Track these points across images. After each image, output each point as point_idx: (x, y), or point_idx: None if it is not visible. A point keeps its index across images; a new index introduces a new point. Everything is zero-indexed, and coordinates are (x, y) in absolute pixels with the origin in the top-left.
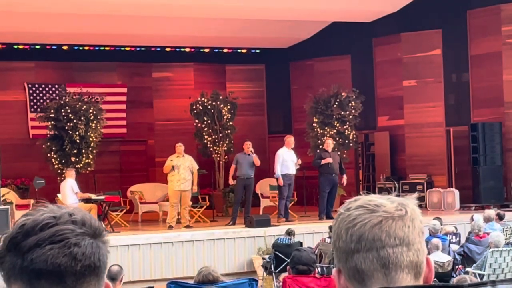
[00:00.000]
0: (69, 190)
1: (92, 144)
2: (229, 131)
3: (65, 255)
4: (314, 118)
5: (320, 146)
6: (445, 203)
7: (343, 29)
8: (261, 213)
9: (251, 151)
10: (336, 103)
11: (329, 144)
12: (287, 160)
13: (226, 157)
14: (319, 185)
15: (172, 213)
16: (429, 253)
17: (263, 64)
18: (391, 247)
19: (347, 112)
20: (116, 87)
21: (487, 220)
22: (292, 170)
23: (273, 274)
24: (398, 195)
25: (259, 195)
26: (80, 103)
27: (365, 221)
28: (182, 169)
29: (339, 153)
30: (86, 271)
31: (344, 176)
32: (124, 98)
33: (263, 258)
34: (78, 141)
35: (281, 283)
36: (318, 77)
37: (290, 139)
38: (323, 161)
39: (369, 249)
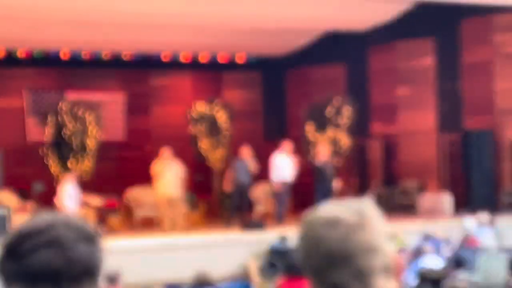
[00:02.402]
0: (68, 195)
1: (90, 150)
2: (225, 138)
3: (61, 259)
4: (309, 125)
5: (316, 153)
6: (437, 209)
7: (338, 37)
8: (256, 218)
9: (250, 156)
10: (331, 111)
11: (325, 151)
12: (283, 166)
13: (222, 163)
14: (315, 191)
15: (165, 219)
16: (421, 259)
17: (259, 71)
18: (360, 257)
19: (341, 119)
20: (115, 93)
21: (479, 225)
22: (288, 176)
23: (268, 278)
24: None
25: (255, 200)
26: (78, 109)
27: (331, 238)
28: (171, 174)
29: (333, 159)
30: (81, 275)
31: (337, 182)
32: (122, 105)
33: (258, 263)
34: (76, 147)
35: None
36: (313, 84)
37: (286, 146)
38: (319, 160)
39: (341, 263)
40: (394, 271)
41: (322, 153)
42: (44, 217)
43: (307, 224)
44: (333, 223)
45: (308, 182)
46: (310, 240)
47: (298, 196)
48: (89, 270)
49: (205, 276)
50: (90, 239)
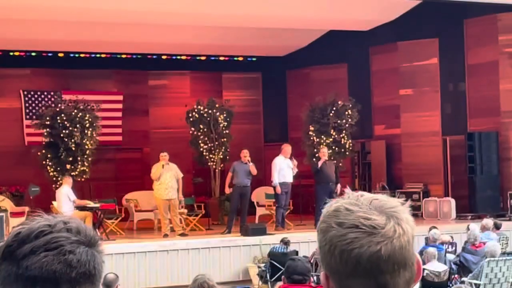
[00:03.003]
0: (65, 197)
1: (87, 152)
2: (225, 139)
3: (60, 262)
4: (310, 126)
5: (316, 155)
6: (441, 212)
7: (340, 37)
8: (257, 221)
9: (248, 160)
10: (333, 112)
11: (324, 152)
12: (283, 169)
13: (222, 165)
14: (315, 194)
15: (165, 222)
16: (425, 263)
17: (259, 72)
18: (389, 273)
19: (344, 121)
20: (112, 94)
21: (484, 229)
22: (289, 178)
23: (269, 283)
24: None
25: (255, 203)
26: (75, 111)
27: (363, 248)
28: (168, 177)
29: (335, 161)
30: (81, 279)
31: (338, 186)
32: (120, 106)
33: (259, 267)
34: (73, 148)
35: None
36: (315, 85)
37: (287, 148)
38: (320, 162)
39: (366, 276)
40: (415, 277)
41: (322, 155)
42: (44, 219)
43: (338, 219)
44: (370, 231)
45: (309, 185)
46: (339, 240)
47: (298, 198)
48: (89, 274)
49: (205, 280)
50: (90, 242)
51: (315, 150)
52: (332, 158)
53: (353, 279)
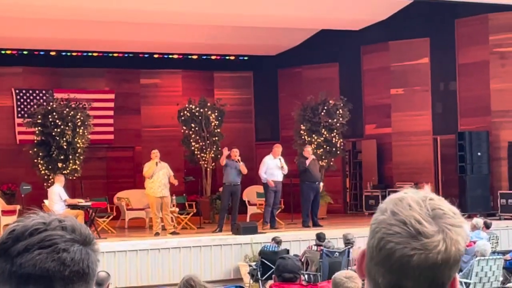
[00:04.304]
0: (57, 196)
1: (79, 150)
2: (216, 138)
3: (53, 260)
4: (301, 125)
5: (303, 153)
6: None
7: (331, 37)
8: (248, 220)
9: (238, 159)
10: (324, 111)
11: (309, 151)
12: (272, 168)
13: (213, 164)
14: (301, 192)
15: (156, 220)
16: None
17: (251, 71)
18: (412, 280)
19: (335, 120)
20: (104, 93)
21: (474, 228)
22: (277, 177)
23: (260, 281)
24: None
25: (246, 202)
26: (67, 109)
27: (398, 246)
28: (161, 175)
29: (326, 160)
30: (74, 277)
31: (321, 184)
32: (111, 104)
33: (250, 266)
34: (65, 147)
35: None
36: (306, 84)
37: (277, 149)
38: (307, 161)
39: (391, 272)
40: None
41: (307, 154)
42: (39, 217)
43: (396, 206)
44: (414, 234)
45: (299, 184)
46: (384, 227)
47: (289, 197)
48: (83, 273)
49: (192, 278)
50: (85, 241)
51: (301, 149)
52: (323, 157)
53: (380, 268)
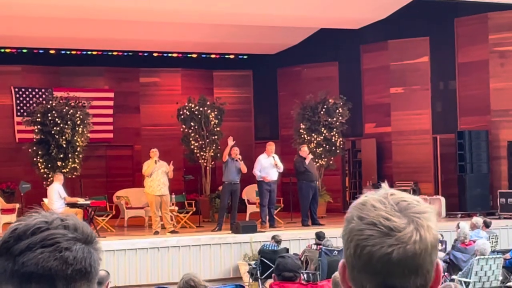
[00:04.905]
0: (56, 194)
1: (78, 149)
2: (216, 137)
3: (56, 258)
4: (301, 124)
5: (299, 153)
6: None
7: (331, 36)
8: (247, 219)
9: (238, 158)
10: (323, 110)
11: (306, 151)
12: (266, 167)
13: (213, 162)
14: (300, 192)
15: (156, 219)
16: None
17: (250, 70)
18: (398, 277)
19: (334, 119)
20: (103, 91)
21: (473, 227)
22: (272, 176)
23: (259, 280)
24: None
25: (246, 201)
26: (66, 108)
27: (375, 248)
28: (160, 173)
29: (325, 159)
30: (77, 276)
31: (318, 183)
32: (111, 103)
33: (249, 264)
34: (64, 145)
35: None
36: (306, 83)
37: (270, 147)
38: (306, 161)
39: (375, 274)
40: (433, 284)
41: (304, 154)
42: (41, 216)
43: (360, 212)
44: (386, 231)
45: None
46: (356, 234)
47: (288, 196)
48: (85, 271)
49: (191, 278)
50: (87, 239)
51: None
52: (322, 156)
53: (364, 274)
